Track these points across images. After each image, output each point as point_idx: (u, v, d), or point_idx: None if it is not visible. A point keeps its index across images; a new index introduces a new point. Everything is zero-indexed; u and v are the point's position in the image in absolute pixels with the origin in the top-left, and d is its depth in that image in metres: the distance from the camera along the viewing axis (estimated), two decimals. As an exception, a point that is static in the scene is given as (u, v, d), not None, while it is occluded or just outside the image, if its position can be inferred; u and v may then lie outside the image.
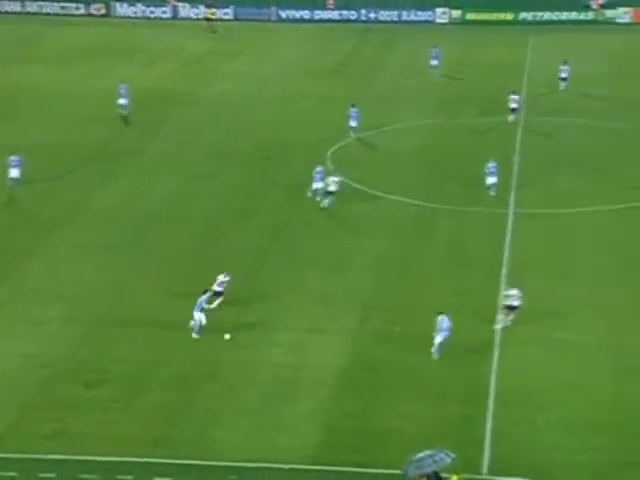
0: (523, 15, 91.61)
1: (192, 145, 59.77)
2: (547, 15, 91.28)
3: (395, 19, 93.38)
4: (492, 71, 74.98)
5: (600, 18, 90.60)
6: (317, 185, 49.33)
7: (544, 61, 77.17)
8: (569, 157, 56.34)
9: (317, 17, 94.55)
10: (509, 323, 36.53)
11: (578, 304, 39.40)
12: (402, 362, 35.54)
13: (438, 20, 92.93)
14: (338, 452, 30.54)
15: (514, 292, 36.85)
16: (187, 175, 54.79)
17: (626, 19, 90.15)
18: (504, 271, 42.31)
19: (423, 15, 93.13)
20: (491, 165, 49.78)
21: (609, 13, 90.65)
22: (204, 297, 37.32)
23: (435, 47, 75.71)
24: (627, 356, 35.64)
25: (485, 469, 29.71)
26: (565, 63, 68.54)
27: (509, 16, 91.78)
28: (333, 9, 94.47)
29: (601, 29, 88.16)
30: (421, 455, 27.62)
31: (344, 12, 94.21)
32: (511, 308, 36.64)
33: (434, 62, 74.71)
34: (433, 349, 35.30)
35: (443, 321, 35.20)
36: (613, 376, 34.40)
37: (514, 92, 61.37)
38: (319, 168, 49.87)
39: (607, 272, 42.13)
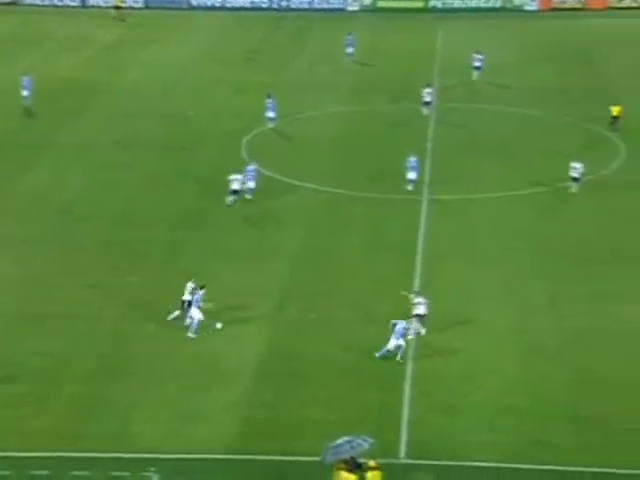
0: (433, 2, 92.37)
1: (104, 135, 59.09)
2: (457, 3, 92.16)
3: (307, 7, 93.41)
4: (404, 58, 75.50)
5: (508, 5, 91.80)
6: (250, 184, 48.62)
7: (454, 48, 77.97)
8: (481, 144, 57.06)
9: (229, 5, 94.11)
10: (421, 331, 36.49)
11: (489, 289, 40.04)
12: (319, 350, 35.77)
13: (349, 8, 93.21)
14: (256, 441, 30.66)
15: (420, 299, 36.46)
16: (100, 166, 54.21)
17: (533, 7, 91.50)
18: (419, 257, 42.78)
19: (335, 3, 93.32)
20: (412, 160, 49.51)
21: (517, 1, 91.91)
22: (200, 293, 36.82)
23: (350, 35, 76.02)
24: (535, 340, 36.31)
25: (402, 454, 30.09)
26: (478, 52, 69.13)
27: (419, 3, 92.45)
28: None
29: (510, 16, 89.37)
30: (339, 441, 27.88)
31: (256, 0, 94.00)
32: (419, 316, 36.31)
33: (349, 50, 75.00)
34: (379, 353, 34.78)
35: (398, 325, 34.61)
36: (523, 359, 35.07)
37: (428, 85, 61.66)
38: (251, 167, 49.26)
39: (517, 257, 42.84)
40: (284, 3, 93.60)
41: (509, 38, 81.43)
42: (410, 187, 49.38)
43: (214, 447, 30.27)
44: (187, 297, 37.19)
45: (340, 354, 35.45)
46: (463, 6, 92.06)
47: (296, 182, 51.19)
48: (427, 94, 60.68)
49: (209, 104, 65.09)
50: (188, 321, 36.82)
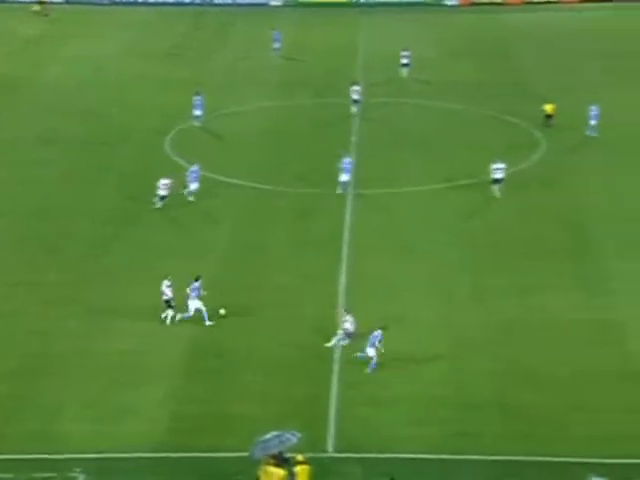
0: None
1: (25, 131, 58.31)
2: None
3: (230, 1, 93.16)
4: (328, 53, 75.76)
5: (430, 0, 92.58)
6: (193, 186, 47.91)
7: (378, 43, 78.52)
8: (404, 139, 57.49)
9: (151, 0, 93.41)
10: (345, 343, 36.10)
11: (415, 282, 40.39)
12: (248, 345, 35.78)
13: (272, 2, 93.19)
14: (186, 438, 30.57)
15: (348, 317, 36.12)
16: (20, 162, 53.56)
17: (454, 1, 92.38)
18: (345, 252, 43.00)
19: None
20: (346, 161, 49.14)
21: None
22: (197, 284, 36.82)
23: (275, 29, 76.03)
24: (461, 332, 36.75)
25: (330, 447, 30.27)
26: (405, 49, 69.21)
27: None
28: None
29: (431, 11, 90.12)
30: (267, 436, 27.96)
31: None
32: (347, 334, 35.97)
33: (276, 45, 75.00)
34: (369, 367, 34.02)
35: (376, 336, 33.97)
36: (449, 352, 35.46)
37: (355, 83, 61.73)
38: (194, 168, 48.54)
39: (442, 250, 43.28)
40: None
41: (430, 32, 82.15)
42: (340, 190, 48.68)
43: (142, 445, 30.11)
44: (168, 295, 36.96)
45: (268, 349, 35.50)
46: (386, 0, 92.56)
47: (222, 178, 51.06)
48: (355, 92, 60.74)
49: (132, 100, 64.59)
50: (190, 314, 36.88)
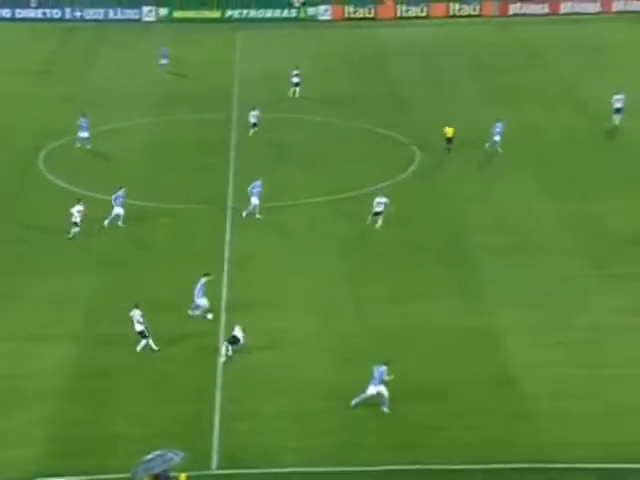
0: (230, 12, 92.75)
1: None
2: (252, 13, 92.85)
3: (101, 17, 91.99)
4: (205, 68, 75.39)
5: (303, 16, 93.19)
6: (118, 210, 46.76)
7: (253, 58, 78.65)
8: (283, 153, 57.59)
9: (19, 16, 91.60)
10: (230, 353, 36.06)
11: (299, 293, 40.44)
12: (128, 364, 35.23)
13: (145, 18, 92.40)
14: (64, 461, 29.92)
15: (237, 327, 36.08)
16: None
17: (327, 16, 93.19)
18: (226, 267, 42.79)
19: (130, 13, 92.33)
20: (257, 184, 48.34)
21: (311, 11, 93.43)
22: (203, 281, 37.84)
23: (162, 46, 75.60)
24: (343, 342, 36.93)
25: (215, 464, 30.00)
26: (296, 67, 68.70)
27: (216, 13, 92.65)
28: (36, 7, 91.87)
29: (305, 26, 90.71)
30: (150, 456, 27.56)
31: (47, 10, 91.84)
32: (234, 341, 35.81)
33: (163, 61, 74.41)
34: (357, 400, 32.69)
35: (381, 371, 32.71)
36: (331, 363, 35.59)
37: (254, 108, 60.40)
38: (120, 192, 47.29)
39: (324, 261, 43.47)
40: (78, 14, 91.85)
41: (305, 48, 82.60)
42: (244, 213, 47.89)
43: (18, 471, 29.32)
44: (139, 328, 35.87)
45: (151, 367, 35.02)
46: (259, 16, 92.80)
47: (99, 195, 50.14)
48: (253, 116, 59.70)
49: (2, 118, 63.11)
50: (198, 312, 37.75)
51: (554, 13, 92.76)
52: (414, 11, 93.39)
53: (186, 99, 67.67)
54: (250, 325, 36.92)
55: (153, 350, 35.94)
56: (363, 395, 32.56)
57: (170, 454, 27.65)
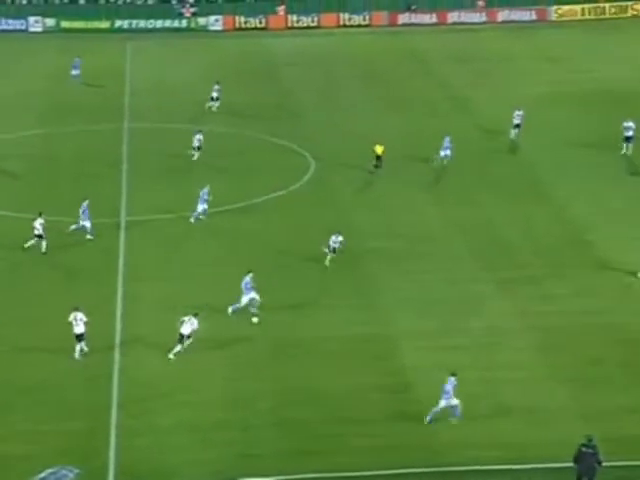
0: (119, 23, 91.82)
1: None
2: (142, 23, 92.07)
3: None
4: (95, 79, 74.10)
5: (194, 26, 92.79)
6: (85, 223, 45.98)
7: (145, 68, 78.05)
8: (179, 163, 57.14)
9: None
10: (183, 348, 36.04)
11: (192, 304, 40.15)
12: (20, 382, 34.52)
13: (32, 29, 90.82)
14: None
15: (186, 319, 36.08)
16: None
17: (218, 27, 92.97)
18: (120, 280, 42.30)
19: (15, 24, 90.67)
20: (203, 192, 47.96)
21: (201, 21, 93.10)
22: (248, 278, 38.58)
23: (75, 57, 74.35)
24: (238, 352, 36.76)
25: (112, 480, 29.66)
26: (217, 83, 67.44)
27: (105, 24, 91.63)
28: None
29: (196, 36, 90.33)
30: (42, 475, 27.14)
31: None
32: (182, 336, 35.94)
33: (75, 72, 73.18)
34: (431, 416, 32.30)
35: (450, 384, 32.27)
36: (228, 373, 35.47)
37: (199, 132, 57.78)
38: (84, 204, 46.42)
39: (218, 270, 43.28)
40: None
41: (197, 58, 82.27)
42: (192, 219, 47.94)
43: None
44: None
45: (43, 384, 34.38)
46: (149, 27, 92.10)
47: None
48: (197, 140, 57.57)
49: None
50: (236, 307, 38.44)
51: (442, 23, 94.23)
52: (305, 21, 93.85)
53: (76, 110, 66.72)
54: (143, 336, 36.57)
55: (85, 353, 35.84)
56: (435, 410, 32.18)
57: (64, 471, 27.25)
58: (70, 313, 36.06)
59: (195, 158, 56.95)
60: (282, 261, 44.49)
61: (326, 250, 43.65)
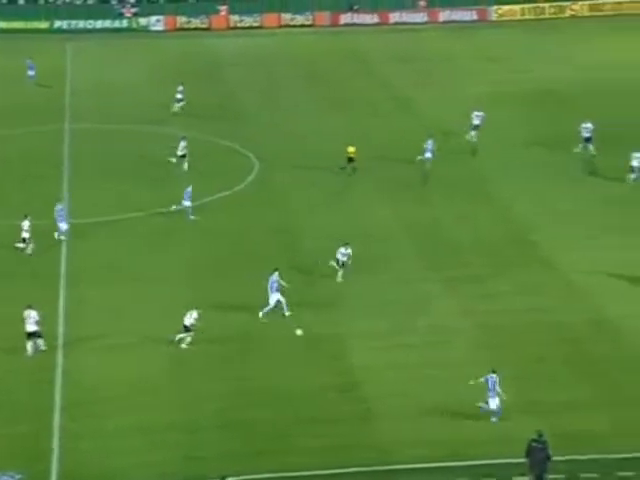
0: (58, 23, 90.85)
1: None
2: (82, 23, 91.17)
3: None
4: (43, 79, 73.15)
5: (135, 26, 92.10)
6: (63, 225, 45.71)
7: (85, 69, 77.33)
8: (116, 166, 56.62)
9: None
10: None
11: (137, 306, 39.86)
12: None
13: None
14: None
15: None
16: None
17: (159, 27, 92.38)
18: (62, 282, 41.83)
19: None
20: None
21: (142, 21, 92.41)
22: (274, 276, 38.41)
23: (29, 58, 73.31)
24: (182, 353, 36.52)
25: (55, 484, 29.29)
26: (181, 84, 66.66)
27: (44, 24, 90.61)
28: None
29: (138, 36, 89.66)
30: (-14, 480, 26.69)
31: None
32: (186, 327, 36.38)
33: (30, 72, 72.21)
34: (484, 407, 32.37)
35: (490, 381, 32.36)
36: (174, 375, 35.20)
37: (183, 138, 56.01)
38: (59, 206, 46.11)
39: (165, 272, 42.99)
40: None
41: (138, 58, 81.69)
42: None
43: None
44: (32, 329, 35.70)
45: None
46: (89, 27, 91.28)
47: None
48: (182, 147, 55.71)
49: None
50: (268, 309, 38.29)
51: (384, 23, 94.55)
52: (247, 21, 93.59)
53: (15, 112, 65.86)
54: (87, 338, 36.21)
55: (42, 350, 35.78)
56: (485, 407, 32.33)
57: (5, 477, 26.83)
58: (23, 311, 35.87)
59: (185, 168, 54.90)
60: (228, 259, 44.26)
61: (335, 265, 42.08)
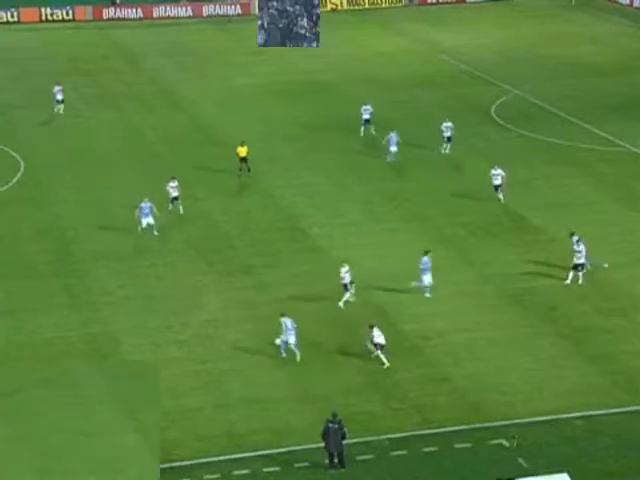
0: None
1: None
2: None
3: None
4: None
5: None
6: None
7: None
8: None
9: None
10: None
11: None
12: None
13: None
14: None
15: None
16: None
17: None
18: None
19: None
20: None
21: None
22: (426, 258, 39.45)
23: None
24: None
25: None
26: (58, 84, 64.68)
27: None
28: None
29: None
30: None
31: None
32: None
33: None
34: None
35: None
36: None
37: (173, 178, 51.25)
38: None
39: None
40: None
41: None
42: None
43: None
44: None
45: None
46: None
47: None
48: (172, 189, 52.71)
49: None
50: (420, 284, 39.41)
51: (148, 17, 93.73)
52: (3, 16, 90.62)
53: None
54: None
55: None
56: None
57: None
58: None
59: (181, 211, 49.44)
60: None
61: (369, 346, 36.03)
